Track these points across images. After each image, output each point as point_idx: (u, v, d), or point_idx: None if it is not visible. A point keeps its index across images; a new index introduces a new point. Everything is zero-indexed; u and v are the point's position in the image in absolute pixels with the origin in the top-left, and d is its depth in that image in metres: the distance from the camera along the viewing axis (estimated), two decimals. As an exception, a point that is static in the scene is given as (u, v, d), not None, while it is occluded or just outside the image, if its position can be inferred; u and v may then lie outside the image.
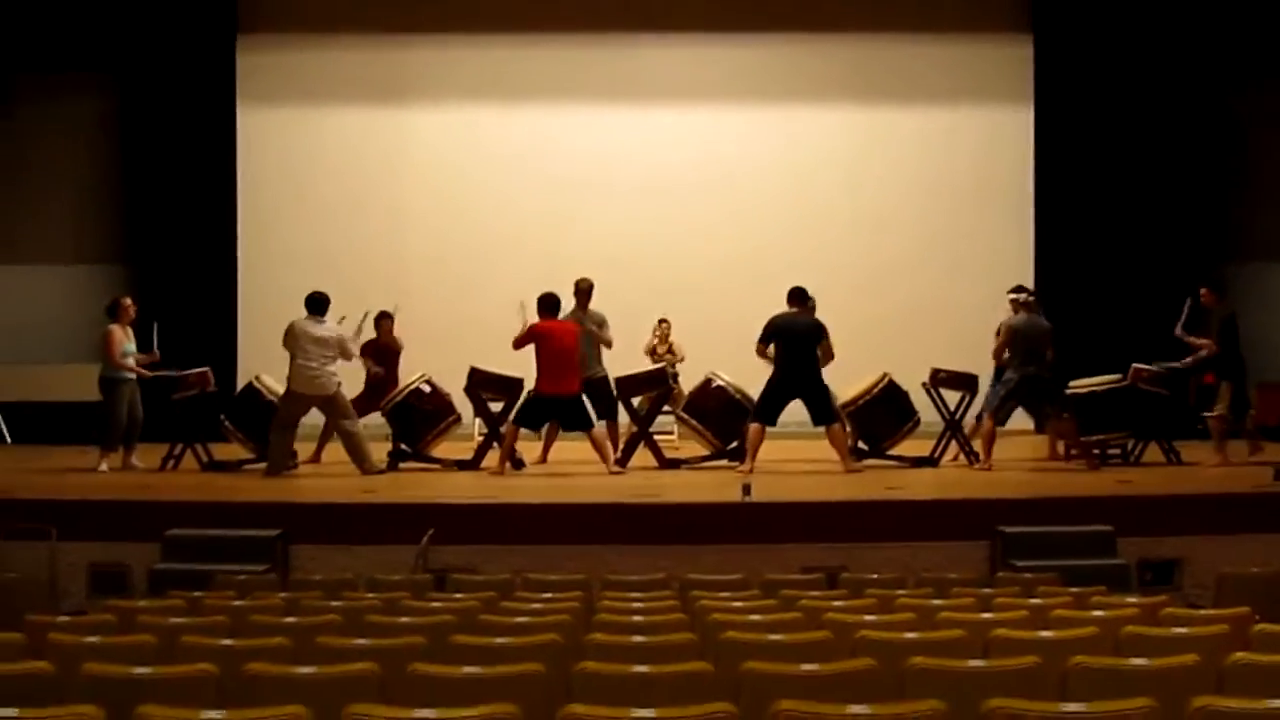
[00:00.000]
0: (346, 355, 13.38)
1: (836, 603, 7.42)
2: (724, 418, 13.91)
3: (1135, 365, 13.90)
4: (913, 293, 18.29)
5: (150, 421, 14.21)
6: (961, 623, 6.55)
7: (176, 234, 18.14)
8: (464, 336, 16.39)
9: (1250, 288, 16.46)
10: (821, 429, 13.37)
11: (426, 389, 14.11)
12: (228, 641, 6.15)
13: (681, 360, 15.77)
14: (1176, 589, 9.90)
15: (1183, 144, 18.17)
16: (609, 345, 14.29)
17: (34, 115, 18.50)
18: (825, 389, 13.38)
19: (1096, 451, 13.75)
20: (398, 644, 6.05)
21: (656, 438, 14.50)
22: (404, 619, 6.89)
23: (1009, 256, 18.06)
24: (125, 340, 13.98)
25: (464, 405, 14.25)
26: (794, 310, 13.41)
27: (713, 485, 12.34)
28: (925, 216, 18.70)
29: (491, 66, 18.75)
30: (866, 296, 17.73)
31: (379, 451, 13.65)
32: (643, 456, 14.07)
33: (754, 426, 13.26)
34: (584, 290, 14.25)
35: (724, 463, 13.78)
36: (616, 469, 13.30)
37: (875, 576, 8.77)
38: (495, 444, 13.79)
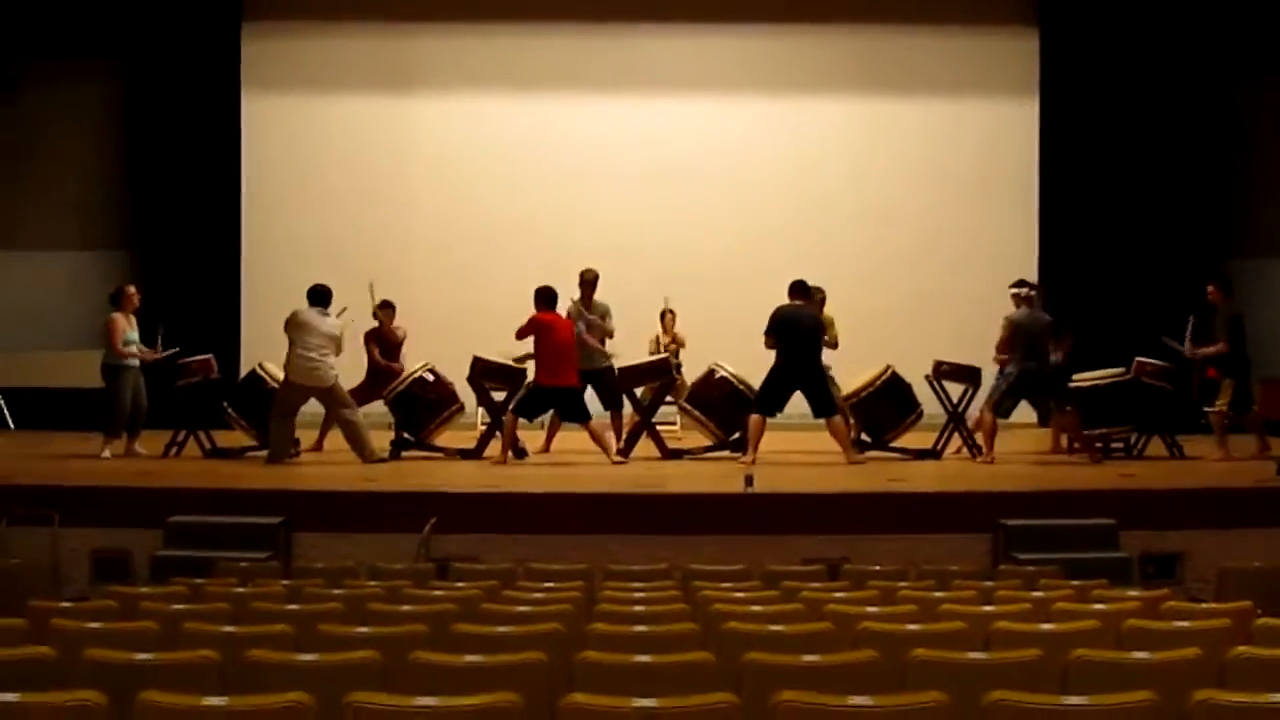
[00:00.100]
0: (339, 350, 13.41)
1: (838, 594, 7.42)
2: (727, 408, 13.91)
3: (1138, 359, 13.91)
4: (917, 285, 18.28)
5: (154, 408, 14.21)
6: (963, 615, 6.55)
7: (181, 221, 18.15)
8: (468, 325, 16.38)
9: (1254, 283, 16.43)
10: (823, 421, 13.39)
11: (430, 378, 14.13)
12: (230, 628, 6.15)
13: (682, 346, 15.77)
14: (1178, 583, 9.91)
15: (1187, 139, 18.16)
16: (610, 335, 14.28)
17: (40, 101, 18.50)
18: (826, 381, 13.39)
19: (1099, 445, 13.75)
20: (399, 632, 6.05)
21: (659, 428, 14.51)
22: (406, 607, 6.89)
23: (1013, 249, 18.05)
24: (128, 329, 13.98)
25: (467, 394, 14.27)
26: (797, 303, 13.41)
27: (715, 476, 12.33)
28: (930, 209, 18.68)
29: (497, 56, 18.74)
30: (870, 288, 17.71)
31: (381, 440, 13.65)
32: (645, 447, 14.08)
33: (755, 417, 13.27)
34: (588, 281, 14.25)
35: (726, 453, 13.79)
36: (619, 459, 13.31)
37: (877, 568, 8.77)
38: (498, 433, 13.80)
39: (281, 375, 13.53)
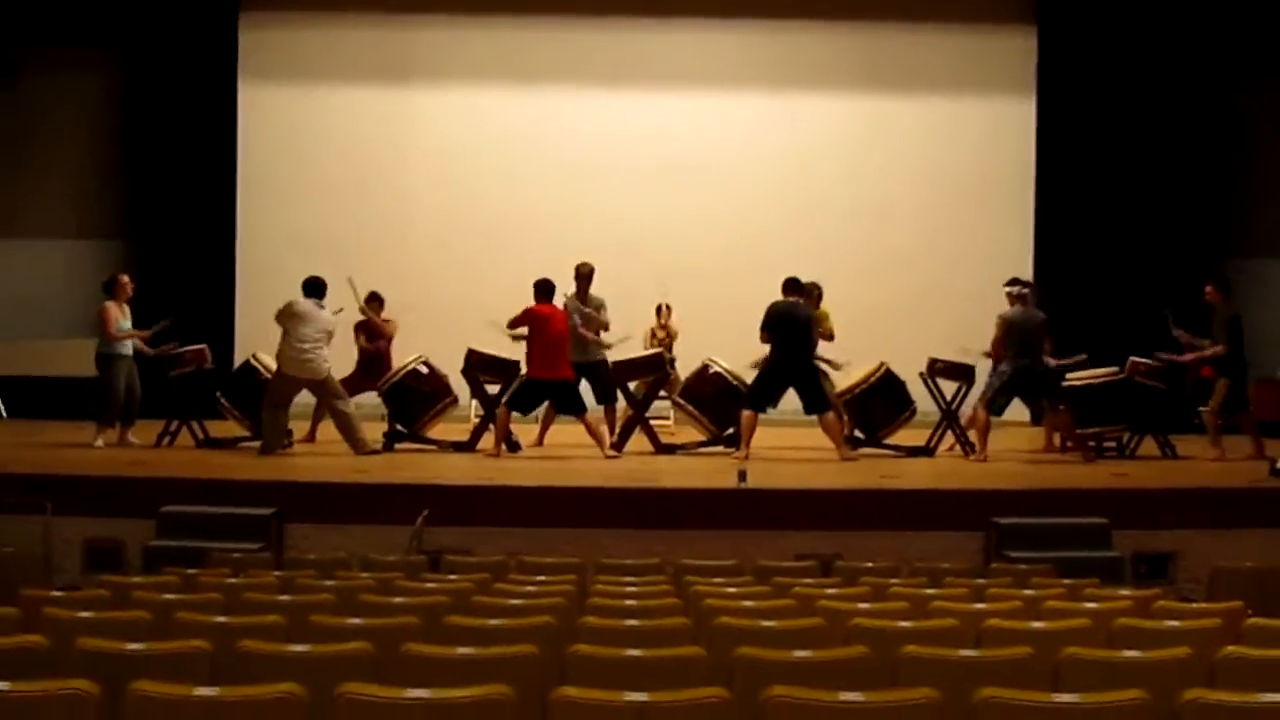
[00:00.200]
0: (329, 340, 13.43)
1: (830, 590, 7.43)
2: (720, 404, 13.92)
3: (1132, 359, 13.91)
4: (913, 282, 18.29)
5: (147, 398, 14.20)
6: (955, 612, 6.56)
7: (177, 211, 18.13)
8: (466, 318, 16.34)
9: (1251, 284, 16.44)
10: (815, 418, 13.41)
11: (424, 370, 14.14)
12: (222, 619, 6.15)
13: (675, 338, 15.77)
14: (1170, 582, 9.93)
15: (1185, 139, 18.17)
16: (606, 328, 14.30)
17: (37, 90, 18.48)
18: (818, 378, 13.40)
19: (1092, 444, 13.75)
20: (391, 624, 6.05)
21: (653, 423, 14.51)
22: (398, 599, 6.89)
23: (1009, 248, 18.03)
24: (121, 318, 13.97)
25: (461, 387, 14.27)
26: (792, 299, 13.42)
27: (708, 471, 12.34)
28: (926, 207, 18.69)
29: (497, 49, 18.72)
30: (867, 285, 17.70)
31: (374, 432, 13.65)
32: (639, 441, 14.08)
33: (747, 413, 13.28)
34: (584, 275, 14.25)
35: (720, 449, 13.79)
36: (612, 453, 13.32)
37: (869, 565, 8.78)
38: (491, 426, 13.80)
39: (274, 367, 13.54)
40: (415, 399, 14.07)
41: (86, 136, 18.63)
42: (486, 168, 18.56)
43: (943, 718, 4.64)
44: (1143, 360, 13.88)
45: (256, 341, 15.16)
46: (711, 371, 14.10)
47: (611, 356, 14.39)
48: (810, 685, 4.75)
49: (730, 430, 13.70)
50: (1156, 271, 17.26)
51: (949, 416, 14.17)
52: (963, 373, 14.24)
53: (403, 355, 14.49)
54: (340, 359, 14.06)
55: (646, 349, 15.53)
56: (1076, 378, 13.87)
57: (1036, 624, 6.31)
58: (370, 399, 14.47)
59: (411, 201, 18.68)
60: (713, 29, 18.88)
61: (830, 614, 6.45)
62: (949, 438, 14.18)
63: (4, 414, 17.41)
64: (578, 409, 13.47)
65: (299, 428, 14.23)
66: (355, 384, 14.29)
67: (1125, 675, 5.17)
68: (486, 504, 10.72)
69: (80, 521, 10.35)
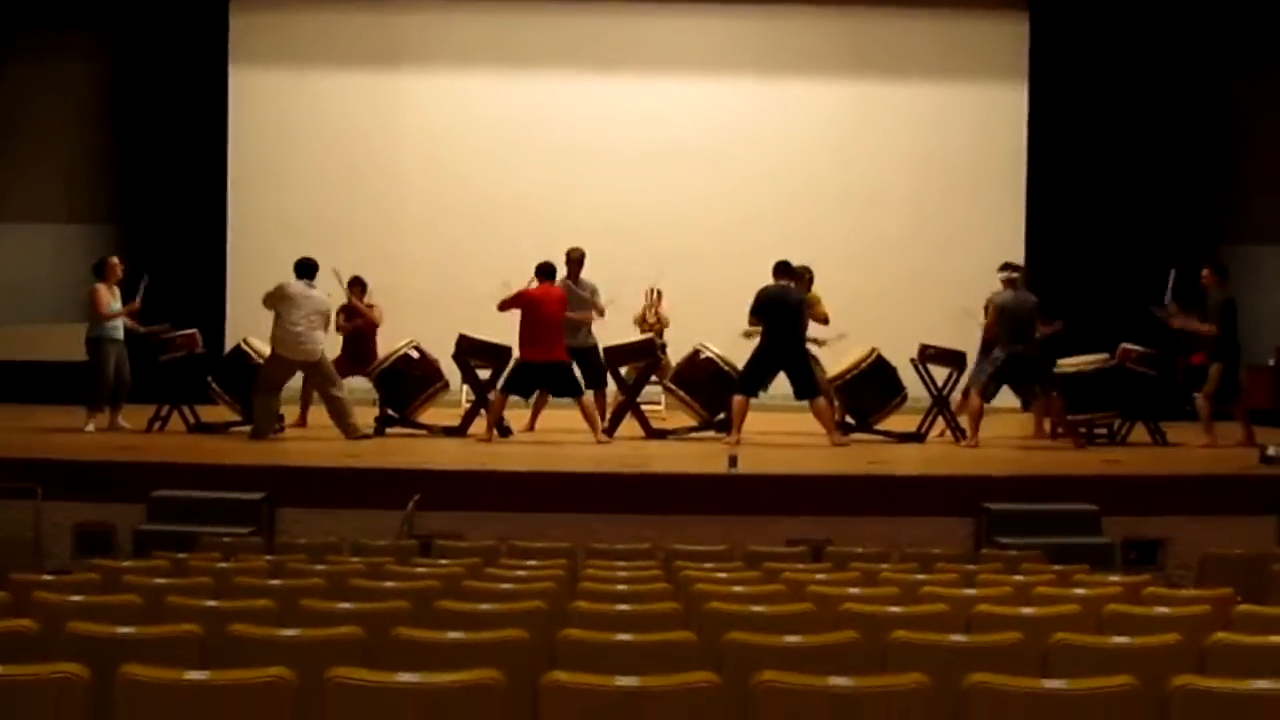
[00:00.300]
0: (326, 322, 13.42)
1: (820, 575, 7.43)
2: (711, 389, 13.92)
3: (1123, 345, 13.93)
4: (904, 268, 18.30)
5: (138, 383, 14.18)
6: (945, 598, 6.57)
7: (167, 195, 18.11)
8: (456, 303, 16.37)
9: (1242, 270, 16.44)
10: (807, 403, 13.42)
11: (415, 355, 14.13)
12: (212, 603, 6.15)
13: (666, 326, 15.77)
14: (1160, 569, 9.94)
15: (1177, 125, 18.19)
16: (601, 314, 14.29)
17: (26, 74, 18.42)
18: (809, 363, 13.40)
19: (1083, 430, 13.77)
20: (382, 608, 6.05)
21: (644, 408, 14.51)
22: (388, 583, 6.89)
23: (1001, 233, 18.04)
24: (111, 300, 13.94)
25: (452, 372, 14.26)
26: (782, 283, 13.41)
27: (699, 456, 12.34)
28: (918, 192, 18.70)
29: (487, 33, 18.70)
30: (858, 271, 17.70)
31: (365, 416, 13.65)
32: (630, 426, 14.09)
33: (738, 398, 13.29)
34: (575, 260, 14.24)
35: (711, 434, 13.80)
36: (604, 438, 13.32)
37: (860, 550, 8.79)
38: (483, 411, 13.80)
39: (266, 351, 13.54)
40: (406, 384, 14.06)
41: (75, 121, 18.58)
42: (477, 152, 18.55)
43: (932, 703, 4.64)
44: (1134, 347, 13.89)
45: (247, 326, 15.12)
46: (703, 357, 14.11)
47: (603, 342, 14.37)
48: (800, 670, 4.75)
49: (721, 415, 13.71)
50: (1148, 258, 17.23)
51: (940, 402, 14.19)
52: (953, 359, 14.26)
53: (393, 340, 14.45)
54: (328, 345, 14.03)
55: (640, 329, 15.50)
56: (1068, 365, 13.88)
57: (1026, 610, 6.32)
58: (360, 383, 14.45)
59: (402, 186, 18.66)
60: (703, 14, 18.86)
61: (820, 599, 6.46)
62: (940, 423, 14.20)
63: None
64: (573, 391, 13.45)
65: (290, 412, 14.22)
66: (342, 369, 14.25)
67: (1115, 661, 5.18)
68: (477, 489, 10.72)
69: (71, 506, 10.34)
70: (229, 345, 15.70)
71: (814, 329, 13.83)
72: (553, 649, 5.43)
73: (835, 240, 17.94)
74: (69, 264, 17.48)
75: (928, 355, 14.26)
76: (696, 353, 14.17)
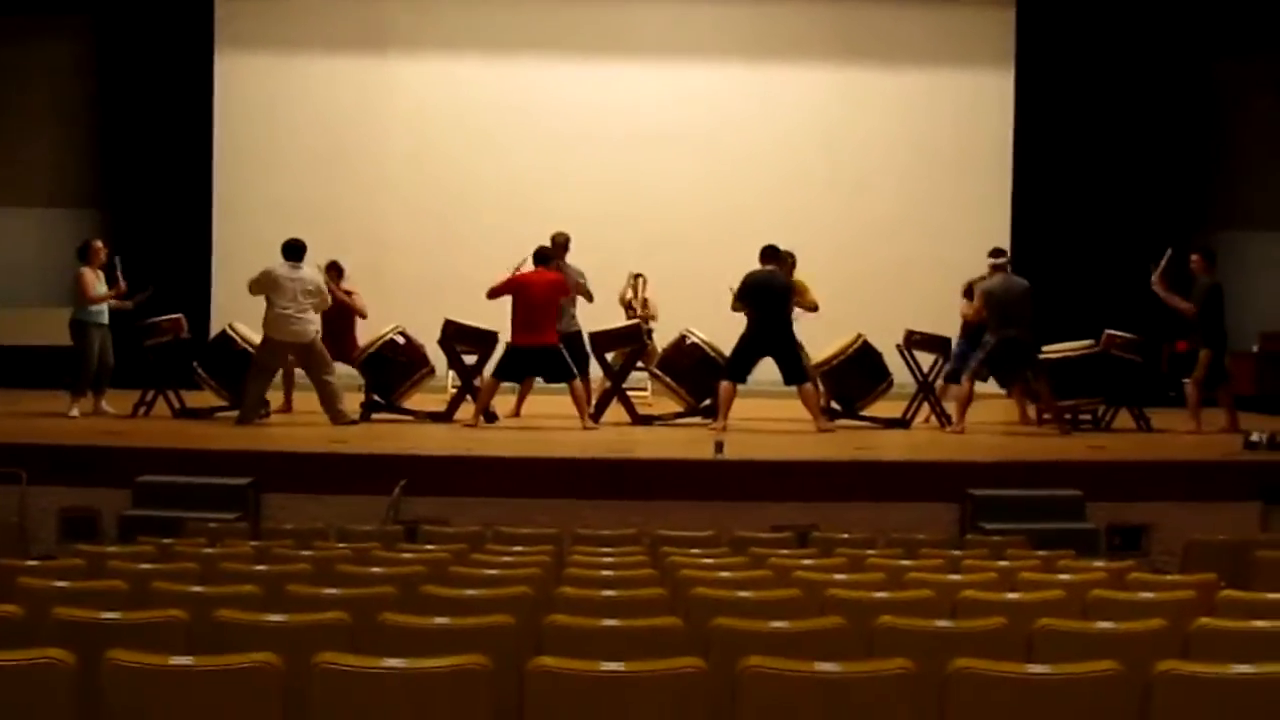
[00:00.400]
0: (324, 302, 13.37)
1: (806, 561, 7.44)
2: (698, 375, 13.93)
3: (1108, 331, 13.95)
4: (890, 254, 18.32)
5: (123, 367, 14.15)
6: (930, 583, 6.59)
7: (152, 179, 18.06)
8: (443, 289, 16.37)
9: (1227, 257, 16.45)
10: (794, 388, 13.43)
11: (401, 340, 14.11)
12: (198, 588, 6.14)
13: (655, 319, 15.75)
14: (1144, 554, 9.97)
15: (1163, 112, 18.23)
16: (589, 299, 14.26)
17: (9, 58, 18.34)
18: (796, 348, 13.40)
19: (1068, 416, 13.80)
20: (368, 594, 6.05)
21: (630, 393, 14.51)
22: (375, 569, 6.89)
23: (987, 221, 18.06)
24: (97, 283, 13.91)
25: (438, 357, 14.25)
26: (769, 268, 13.41)
27: (685, 442, 12.35)
28: (904, 179, 18.72)
29: (474, 18, 18.67)
30: (844, 257, 17.73)
31: (350, 402, 13.63)
32: (616, 412, 14.09)
33: (725, 384, 13.29)
34: (560, 244, 14.20)
35: (697, 419, 13.81)
36: (590, 424, 13.31)
37: (845, 536, 8.80)
38: (469, 396, 13.79)
39: (252, 336, 13.54)
40: (392, 369, 14.05)
41: (60, 105, 18.51)
42: (464, 137, 18.52)
43: (917, 688, 4.66)
44: (1119, 333, 13.92)
45: (233, 311, 15.10)
46: (689, 342, 14.11)
47: (590, 326, 14.35)
48: (786, 655, 4.76)
49: (707, 401, 13.72)
50: (1134, 244, 17.28)
51: (925, 388, 14.21)
52: (939, 344, 14.28)
53: (379, 325, 14.42)
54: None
55: (625, 311, 15.49)
56: (1053, 351, 13.90)
57: (1011, 595, 6.34)
58: (341, 369, 14.40)
59: (389, 171, 18.63)
60: (691, 0, 18.84)
61: (806, 585, 6.47)
62: (925, 409, 14.22)
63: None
64: (565, 375, 13.43)
65: (274, 398, 14.19)
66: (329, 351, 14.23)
67: (1099, 646, 5.19)
68: (463, 474, 10.71)
69: (56, 491, 10.33)
70: (214, 330, 15.67)
71: (808, 319, 13.80)
72: (539, 634, 5.43)
73: (822, 226, 17.96)
74: (53, 249, 17.41)
75: (913, 341, 14.28)
76: (683, 338, 14.17)
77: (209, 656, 4.70)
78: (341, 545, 8.08)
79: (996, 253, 14.01)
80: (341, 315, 14.41)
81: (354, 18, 18.63)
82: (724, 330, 13.76)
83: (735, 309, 13.40)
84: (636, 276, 16.04)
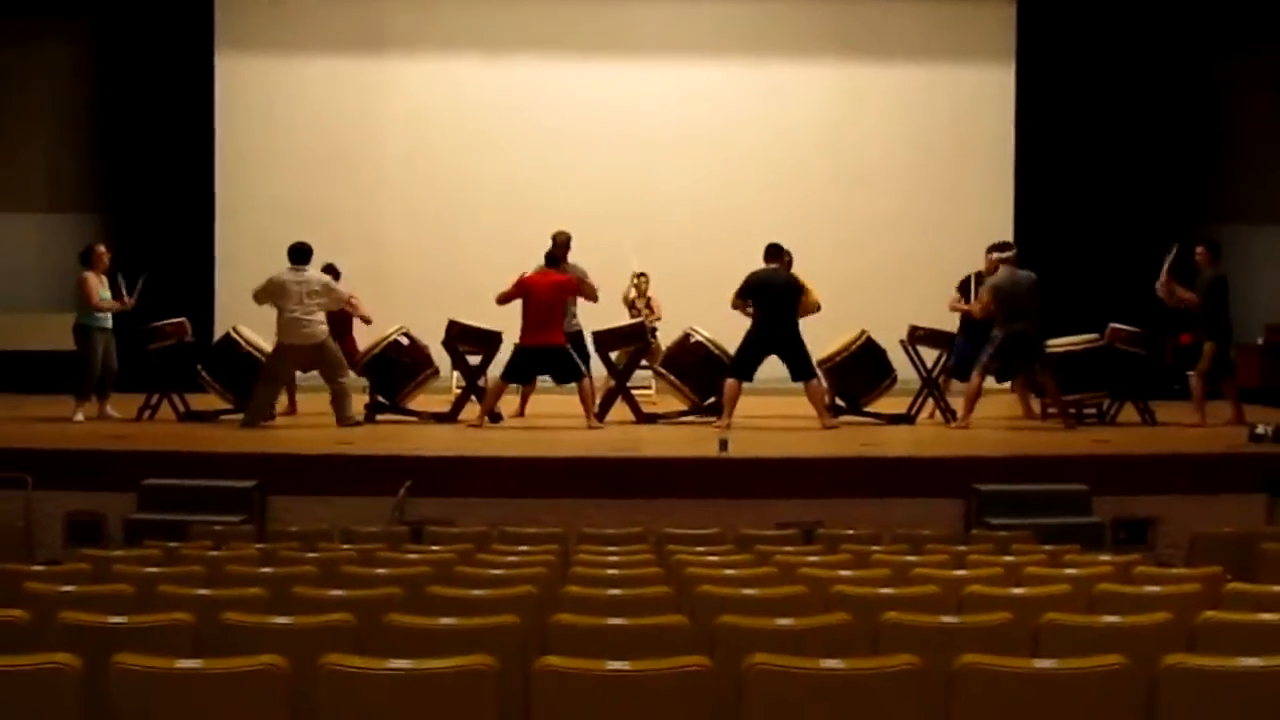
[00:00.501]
0: (335, 300, 13.35)
1: (811, 558, 7.45)
2: (702, 373, 13.93)
3: (1112, 325, 13.94)
4: (892, 250, 18.29)
5: (127, 371, 14.17)
6: (936, 579, 6.58)
7: (154, 183, 18.03)
8: (444, 289, 16.38)
9: (1229, 251, 16.37)
10: (799, 385, 13.42)
11: (404, 341, 14.11)
12: (204, 591, 6.14)
13: (659, 319, 15.74)
14: (1150, 548, 9.96)
15: (1164, 106, 18.20)
16: (594, 299, 14.17)
17: (8, 61, 18.32)
18: (802, 345, 13.38)
19: (1072, 411, 13.78)
20: (374, 595, 6.05)
21: (634, 392, 14.50)
22: (380, 570, 6.89)
23: (989, 215, 18.03)
24: (100, 287, 13.92)
25: (442, 358, 14.25)
26: (772, 266, 13.41)
27: (690, 440, 12.35)
28: (906, 175, 18.69)
29: (472, 19, 18.65)
30: (846, 253, 17.72)
31: (356, 404, 13.62)
32: (620, 411, 14.08)
33: (730, 382, 13.29)
34: (561, 243, 14.14)
35: (701, 418, 13.80)
36: (595, 423, 13.31)
37: (851, 532, 8.80)
38: (473, 397, 13.80)
39: (255, 339, 13.57)
40: (396, 371, 14.05)
41: (58, 109, 18.48)
42: (464, 137, 18.50)
43: (923, 684, 4.65)
44: (1123, 327, 13.91)
45: (237, 314, 15.09)
46: (693, 341, 14.11)
47: (593, 326, 14.34)
48: (792, 653, 4.76)
49: (711, 399, 13.71)
50: (1135, 238, 17.28)
51: (930, 384, 14.20)
52: (943, 340, 14.27)
53: (382, 326, 14.39)
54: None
55: (628, 311, 15.48)
56: (1057, 345, 13.88)
57: (1017, 590, 6.34)
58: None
59: (390, 171, 18.61)
60: (691, -2, 18.88)
61: (812, 582, 6.46)
62: (930, 405, 14.21)
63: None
64: (573, 375, 13.44)
65: (278, 401, 14.18)
66: None
67: (1105, 641, 5.19)
68: (468, 475, 10.72)
69: (61, 495, 10.34)
70: (218, 333, 15.66)
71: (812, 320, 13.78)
72: (545, 634, 5.43)
73: (823, 223, 17.96)
74: (55, 253, 17.40)
75: (917, 337, 14.28)
76: (687, 337, 14.17)
77: (215, 660, 4.70)
78: (347, 547, 8.08)
79: (1003, 246, 13.98)
80: (339, 319, 14.28)
81: (353, 18, 18.61)
82: (727, 328, 13.75)
83: (735, 307, 13.38)
84: (639, 275, 16.03)
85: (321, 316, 13.18)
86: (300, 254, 13.27)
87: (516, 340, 13.44)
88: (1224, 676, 4.66)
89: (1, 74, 18.32)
